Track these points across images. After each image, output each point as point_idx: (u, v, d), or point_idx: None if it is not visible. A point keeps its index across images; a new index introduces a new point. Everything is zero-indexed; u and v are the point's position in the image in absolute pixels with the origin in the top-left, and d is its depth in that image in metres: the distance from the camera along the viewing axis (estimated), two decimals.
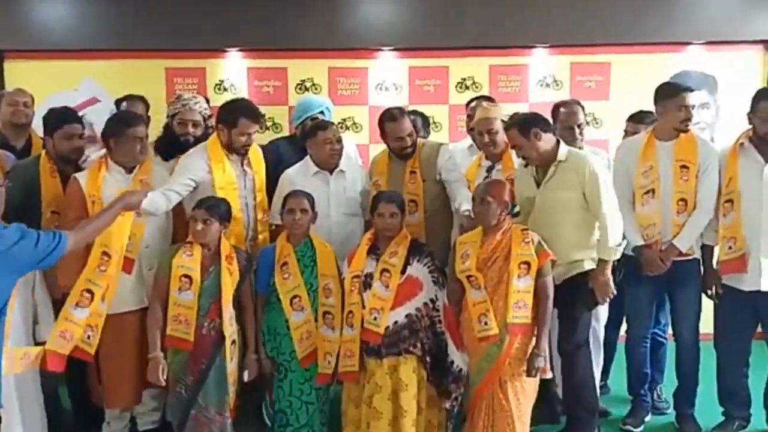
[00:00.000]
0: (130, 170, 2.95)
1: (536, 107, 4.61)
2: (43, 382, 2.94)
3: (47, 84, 3.83)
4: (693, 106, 3.13)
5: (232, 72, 4.55)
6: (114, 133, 2.92)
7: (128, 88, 3.92)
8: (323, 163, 3.23)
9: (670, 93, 3.13)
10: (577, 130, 3.38)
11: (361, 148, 4.25)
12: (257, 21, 4.39)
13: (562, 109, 3.45)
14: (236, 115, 3.07)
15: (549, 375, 2.89)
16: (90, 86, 4.41)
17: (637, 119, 3.68)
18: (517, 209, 2.92)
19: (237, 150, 3.11)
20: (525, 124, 2.91)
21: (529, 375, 2.75)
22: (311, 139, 3.26)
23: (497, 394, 2.73)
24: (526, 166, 3.01)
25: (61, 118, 3.05)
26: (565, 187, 2.86)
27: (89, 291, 2.70)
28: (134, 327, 2.92)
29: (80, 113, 4.15)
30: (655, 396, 3.50)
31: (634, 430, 3.30)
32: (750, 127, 3.10)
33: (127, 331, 2.91)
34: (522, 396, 2.76)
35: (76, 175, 2.92)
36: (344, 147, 3.36)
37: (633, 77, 4.52)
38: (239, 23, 4.39)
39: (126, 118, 3.01)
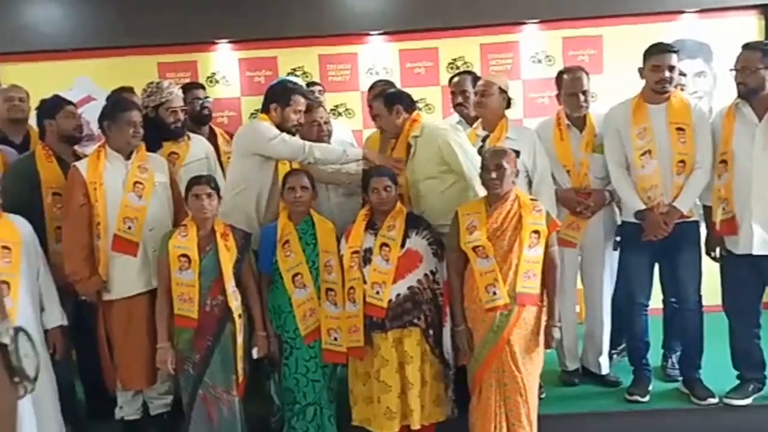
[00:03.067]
0: (128, 156, 3.05)
1: (530, 84, 4.76)
2: (58, 371, 3.03)
3: (42, 85, 3.90)
4: (673, 68, 3.17)
5: (224, 64, 4.68)
6: (108, 117, 3.04)
7: (122, 85, 4.02)
8: None
9: (649, 52, 3.21)
10: (582, 97, 3.37)
11: (354, 134, 4.33)
12: (246, 11, 4.50)
13: (565, 76, 3.44)
14: (289, 93, 3.24)
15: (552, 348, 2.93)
16: (84, 85, 4.53)
17: None
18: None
19: (288, 129, 3.21)
20: (391, 98, 3.16)
21: (548, 347, 2.81)
22: None
23: (508, 365, 2.75)
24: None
25: (58, 102, 3.21)
26: (427, 159, 3.04)
27: None
28: (144, 308, 3.03)
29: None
30: (669, 363, 3.54)
31: (641, 399, 3.30)
32: None
33: (137, 313, 3.03)
34: (531, 367, 2.81)
35: (75, 164, 3.03)
36: (336, 130, 3.51)
37: (626, 49, 4.58)
38: (228, 15, 4.51)
39: (119, 103, 3.13)
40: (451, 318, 2.93)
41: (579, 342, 3.60)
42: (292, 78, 3.87)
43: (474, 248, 2.78)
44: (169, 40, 4.54)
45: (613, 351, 3.70)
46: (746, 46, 3.16)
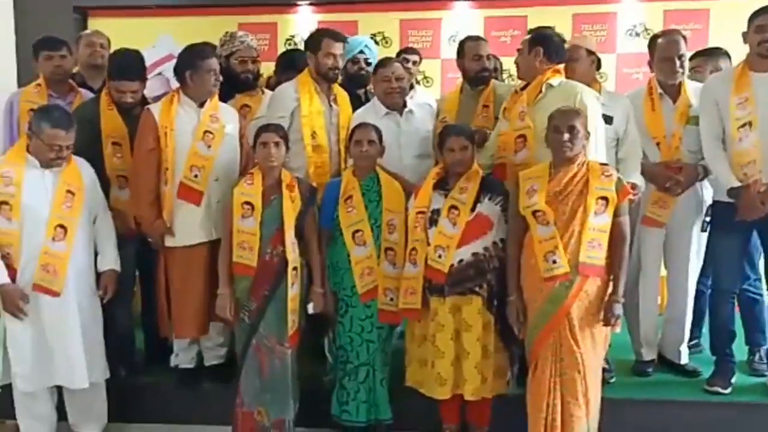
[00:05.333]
0: (200, 105, 3.13)
1: (624, 58, 4.62)
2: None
3: (127, 41, 4.06)
4: None
5: (303, 27, 4.76)
6: (190, 66, 3.09)
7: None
8: (384, 101, 3.34)
9: (751, 16, 3.05)
10: (678, 62, 3.20)
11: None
12: None
13: (660, 40, 3.29)
14: (319, 37, 3.31)
15: (618, 329, 2.78)
16: (166, 43, 4.67)
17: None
18: None
19: (325, 74, 3.30)
20: (536, 39, 3.04)
21: (606, 324, 2.69)
22: (373, 77, 3.40)
23: (567, 339, 2.66)
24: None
25: (118, 73, 3.22)
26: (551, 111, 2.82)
27: None
28: (203, 259, 3.10)
29: (157, 69, 4.50)
30: (757, 358, 3.35)
31: (722, 391, 3.13)
32: None
33: (195, 263, 3.11)
34: (592, 344, 2.70)
35: (149, 106, 3.13)
36: (421, 95, 3.54)
37: (735, 25, 4.30)
38: None
39: (200, 50, 3.16)
40: None
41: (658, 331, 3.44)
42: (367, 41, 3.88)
43: (533, 213, 2.69)
44: (251, 1, 4.69)
45: (689, 343, 3.52)
46: None
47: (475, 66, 3.40)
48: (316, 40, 3.34)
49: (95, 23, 4.81)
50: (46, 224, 2.83)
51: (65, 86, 3.49)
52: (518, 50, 3.11)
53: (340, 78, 3.77)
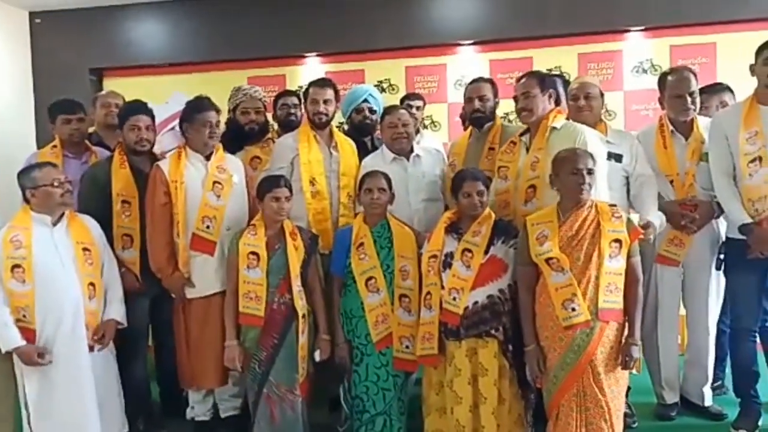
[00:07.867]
0: (207, 157, 3.22)
1: (633, 95, 4.67)
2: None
3: (141, 98, 4.29)
4: None
5: (311, 77, 4.84)
6: (186, 119, 3.22)
7: (214, 99, 4.27)
8: (392, 147, 3.41)
9: (759, 49, 3.07)
10: (689, 99, 3.22)
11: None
12: (334, 25, 4.78)
13: (670, 77, 3.31)
14: (307, 87, 3.49)
15: (639, 371, 2.79)
16: (179, 99, 4.80)
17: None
18: None
19: (312, 120, 3.43)
20: (549, 81, 3.09)
21: (625, 367, 2.67)
22: (380, 124, 3.49)
23: (591, 388, 2.62)
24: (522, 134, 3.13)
25: (126, 113, 3.35)
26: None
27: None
28: (220, 308, 3.13)
29: (171, 126, 4.64)
30: None
31: None
32: None
33: (213, 313, 3.16)
34: (617, 389, 2.68)
35: (158, 163, 3.22)
36: (429, 140, 3.65)
37: (743, 58, 4.35)
38: (317, 29, 4.80)
39: (196, 104, 3.27)
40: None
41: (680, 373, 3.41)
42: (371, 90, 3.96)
43: (547, 260, 2.68)
44: (259, 55, 4.87)
45: (713, 385, 3.49)
46: None
47: (467, 107, 3.48)
48: (306, 90, 3.55)
49: (110, 83, 5.03)
50: (81, 284, 2.89)
51: (81, 146, 3.61)
52: (515, 97, 3.12)
53: (345, 126, 3.90)
